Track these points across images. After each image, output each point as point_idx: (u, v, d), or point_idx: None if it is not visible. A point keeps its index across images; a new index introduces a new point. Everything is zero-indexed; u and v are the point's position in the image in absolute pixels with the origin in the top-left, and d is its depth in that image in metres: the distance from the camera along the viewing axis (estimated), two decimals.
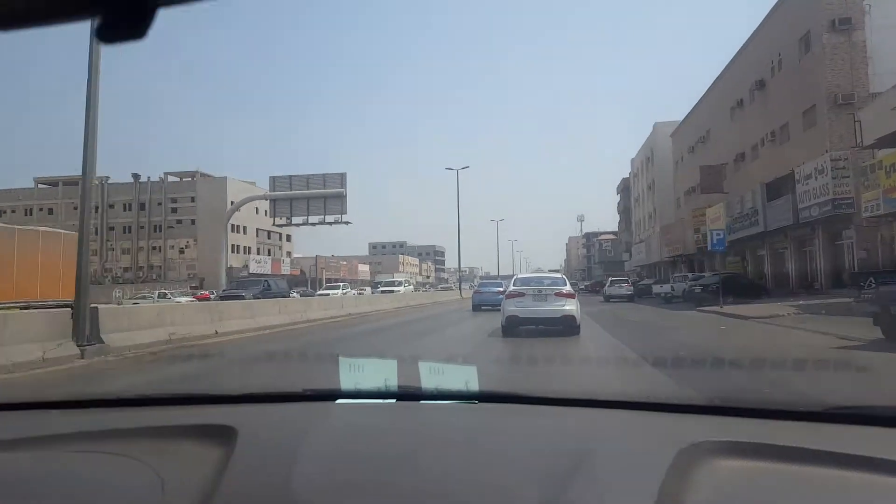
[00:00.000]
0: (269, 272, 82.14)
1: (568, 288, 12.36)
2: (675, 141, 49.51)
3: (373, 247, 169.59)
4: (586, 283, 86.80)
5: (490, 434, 1.10)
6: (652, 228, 58.52)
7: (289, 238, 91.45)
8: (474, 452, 0.97)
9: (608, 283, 38.53)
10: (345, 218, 35.63)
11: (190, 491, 0.77)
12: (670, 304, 30.10)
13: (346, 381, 1.39)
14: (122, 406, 1.34)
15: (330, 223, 36.51)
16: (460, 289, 51.00)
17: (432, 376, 1.39)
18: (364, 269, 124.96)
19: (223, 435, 0.98)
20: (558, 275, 15.30)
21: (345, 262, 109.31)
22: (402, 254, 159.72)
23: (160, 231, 78.53)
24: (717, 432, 0.99)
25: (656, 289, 34.56)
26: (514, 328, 11.82)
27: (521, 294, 11.93)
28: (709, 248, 24.82)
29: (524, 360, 8.17)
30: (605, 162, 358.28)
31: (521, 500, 0.73)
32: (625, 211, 76.06)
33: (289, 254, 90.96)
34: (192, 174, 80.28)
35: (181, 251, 78.74)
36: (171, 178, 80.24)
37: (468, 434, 1.10)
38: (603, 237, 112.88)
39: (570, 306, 11.77)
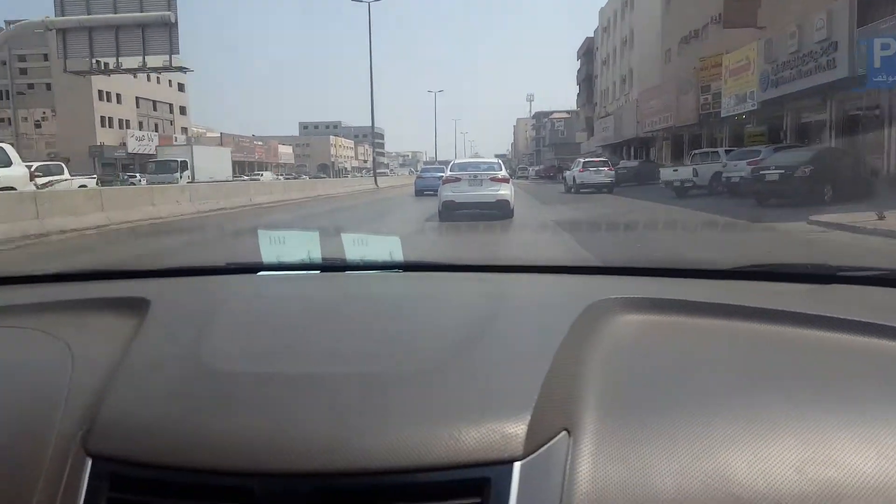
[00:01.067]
0: (155, 151, 67.19)
1: (503, 173, 12.70)
2: None
3: (304, 127, 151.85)
4: (536, 167, 75.56)
5: (409, 299, 1.13)
6: (624, 97, 45.94)
7: (183, 110, 74.79)
8: (392, 316, 1.00)
9: (578, 167, 26.32)
10: (178, 62, 21.58)
11: (99, 361, 0.77)
12: (685, 198, 18.36)
13: (268, 254, 1.37)
14: (35, 283, 1.31)
15: (155, 70, 22.69)
16: (375, 178, 38.07)
17: (356, 247, 1.39)
18: (286, 151, 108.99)
19: (136, 306, 0.98)
20: (494, 160, 14.61)
21: (260, 143, 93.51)
22: (335, 135, 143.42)
23: (6, 98, 60.96)
24: (623, 291, 0.99)
25: (666, 174, 21.70)
26: (450, 213, 12.13)
27: (457, 179, 12.27)
28: (724, 113, 15.66)
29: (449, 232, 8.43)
30: (559, 32, 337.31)
31: (429, 353, 0.76)
32: (586, 80, 62.92)
33: (184, 130, 74.76)
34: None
35: (37, 125, 62.06)
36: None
37: (388, 300, 1.12)
38: (555, 116, 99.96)
39: (505, 191, 12.12)
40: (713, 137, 28.70)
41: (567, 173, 28.23)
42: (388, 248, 1.39)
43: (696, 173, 19.15)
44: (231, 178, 42.94)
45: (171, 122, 72.49)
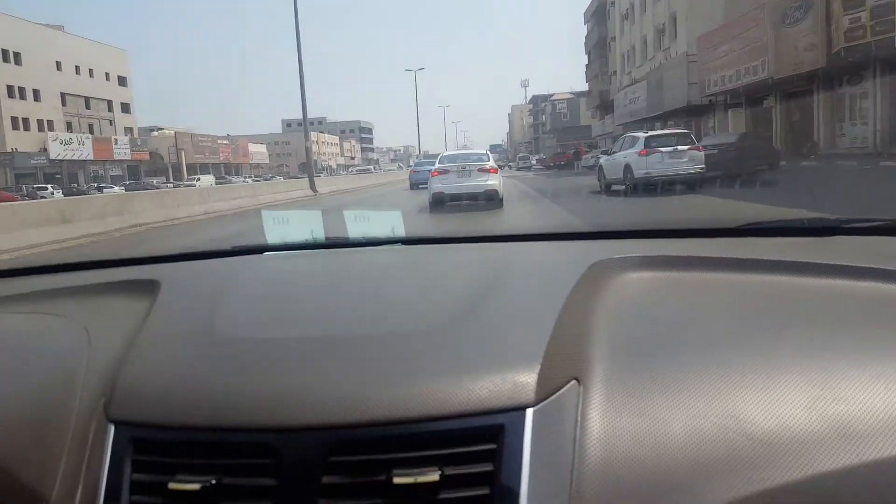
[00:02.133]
0: (90, 157, 55.82)
1: (491, 163, 12.62)
2: None
3: (287, 125, 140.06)
4: (537, 156, 64.19)
5: (414, 268, 1.15)
6: (662, 53, 34.46)
7: (126, 108, 63.19)
8: (398, 284, 1.02)
9: (632, 145, 15.25)
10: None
11: (115, 338, 0.80)
12: None
13: (272, 235, 1.38)
14: (48, 272, 1.34)
15: None
16: (312, 180, 26.62)
17: (358, 224, 1.39)
18: (259, 150, 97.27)
19: (148, 288, 1.00)
20: (482, 151, 14.76)
21: (226, 142, 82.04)
22: (319, 131, 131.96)
23: None
24: (629, 252, 0.99)
25: None
26: (440, 204, 12.17)
27: (447, 171, 12.29)
28: None
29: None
30: (553, 9, 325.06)
31: (438, 313, 0.77)
32: (598, 46, 51.41)
33: (129, 130, 63.25)
34: None
35: None
36: None
37: (393, 270, 1.15)
38: (557, 97, 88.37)
39: (493, 181, 12.11)
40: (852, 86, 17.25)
41: (606, 159, 16.79)
42: (390, 223, 1.39)
43: None
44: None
45: (111, 122, 60.83)
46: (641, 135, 15.08)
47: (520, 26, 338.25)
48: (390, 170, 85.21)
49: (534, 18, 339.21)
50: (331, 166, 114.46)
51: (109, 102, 60.49)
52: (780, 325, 0.72)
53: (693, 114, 29.31)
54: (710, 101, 26.72)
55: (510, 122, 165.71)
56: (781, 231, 1.22)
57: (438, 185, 12.29)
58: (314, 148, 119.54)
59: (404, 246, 1.33)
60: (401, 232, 1.37)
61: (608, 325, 0.73)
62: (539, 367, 0.60)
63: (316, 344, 0.71)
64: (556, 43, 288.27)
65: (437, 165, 12.90)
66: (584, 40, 57.03)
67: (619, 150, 15.73)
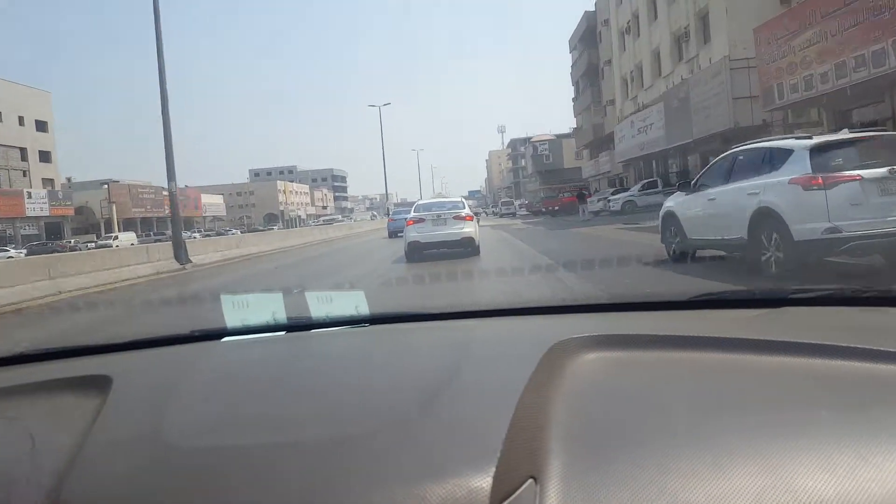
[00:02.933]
0: None
1: (466, 211, 12.42)
2: None
3: (255, 175, 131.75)
4: (520, 200, 56.30)
5: (375, 355, 1.13)
6: (685, 66, 26.26)
7: (46, 156, 54.11)
8: (358, 373, 1.00)
9: (759, 163, 6.70)
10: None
11: (61, 444, 0.76)
12: None
13: (232, 319, 1.35)
14: None
15: None
16: (178, 248, 17.43)
17: (321, 305, 1.38)
18: (215, 202, 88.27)
19: (98, 385, 0.96)
20: (457, 199, 14.32)
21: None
22: (289, 180, 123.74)
23: None
24: (585, 329, 1.04)
25: None
26: (416, 254, 11.85)
27: (422, 220, 12.08)
28: None
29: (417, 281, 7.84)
30: (530, 52, 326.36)
31: (394, 410, 0.76)
32: (587, 74, 43.92)
33: (49, 182, 54.14)
34: None
35: None
36: None
37: (353, 357, 1.13)
38: (537, 139, 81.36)
39: (469, 228, 11.94)
40: None
41: (684, 202, 8.28)
42: (353, 302, 1.38)
43: None
44: None
45: (25, 173, 51.68)
46: (798, 143, 6.46)
47: (496, 69, 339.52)
48: (362, 219, 77.50)
49: (510, 60, 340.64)
50: (300, 216, 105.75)
51: (23, 150, 51.53)
52: (731, 408, 0.72)
53: (743, 138, 21.21)
54: (784, 115, 18.58)
55: (488, 168, 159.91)
56: (733, 303, 1.25)
57: (414, 234, 12.00)
58: (282, 198, 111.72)
59: (369, 326, 1.32)
60: (364, 311, 1.35)
61: (565, 414, 0.71)
62: (494, 468, 0.58)
63: (272, 452, 0.67)
64: (536, 84, 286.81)
65: (412, 214, 12.67)
66: (569, 72, 49.85)
67: (730, 181, 7.22)
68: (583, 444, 0.65)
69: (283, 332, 1.32)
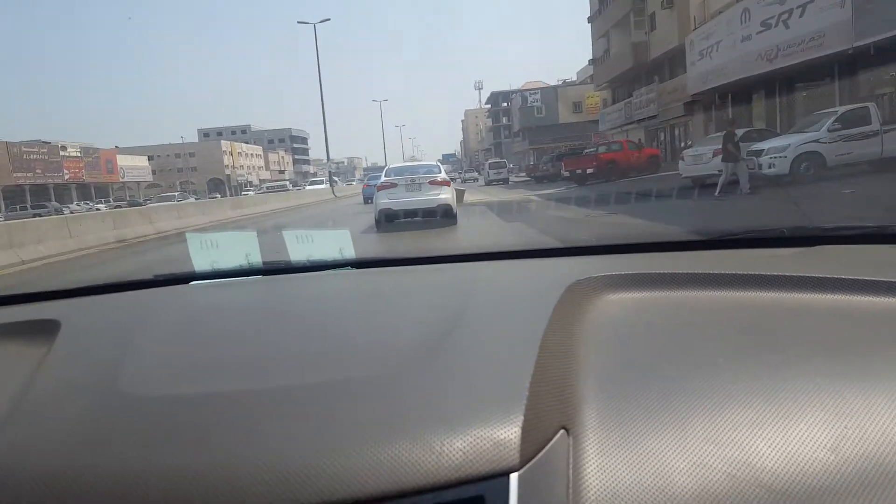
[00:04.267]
0: None
1: (443, 175, 11.19)
2: None
3: (204, 134, 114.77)
4: (509, 167, 41.54)
5: (367, 297, 1.01)
6: None
7: None
8: (349, 316, 0.89)
9: None
10: None
11: (5, 391, 0.68)
12: None
13: (201, 261, 1.22)
14: None
15: None
16: None
17: (301, 246, 1.24)
18: (137, 165, 72.44)
19: (45, 330, 0.87)
20: (433, 163, 12.75)
21: (76, 155, 57.24)
22: (244, 141, 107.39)
23: None
24: (604, 269, 0.92)
25: None
26: (388, 222, 10.72)
27: (394, 185, 10.78)
28: None
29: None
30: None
31: (398, 354, 0.66)
32: None
33: None
34: None
35: None
36: None
37: (342, 300, 1.01)
38: (528, 86, 67.14)
39: (446, 194, 10.72)
40: None
41: None
42: (337, 243, 1.26)
43: None
44: None
45: None
46: None
47: (472, 17, 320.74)
48: (317, 186, 62.99)
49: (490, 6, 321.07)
50: (250, 182, 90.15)
51: None
52: (781, 350, 0.64)
53: None
54: None
55: (464, 129, 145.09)
56: (763, 242, 1.14)
57: (385, 201, 10.63)
58: (228, 161, 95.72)
59: (354, 270, 1.19)
60: (350, 253, 1.23)
61: (594, 357, 0.64)
62: (522, 418, 0.50)
63: (248, 400, 0.58)
64: (518, 30, 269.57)
65: (382, 179, 11.22)
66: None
67: None
68: (618, 389, 0.58)
69: (259, 276, 1.19)
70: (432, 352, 0.64)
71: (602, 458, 0.50)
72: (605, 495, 0.47)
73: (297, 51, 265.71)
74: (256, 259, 1.21)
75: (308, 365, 0.66)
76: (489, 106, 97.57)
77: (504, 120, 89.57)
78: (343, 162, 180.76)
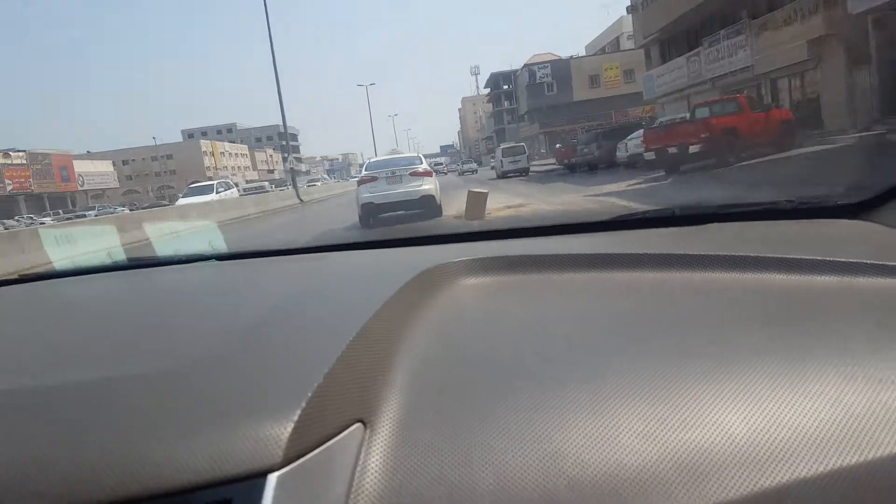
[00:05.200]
0: None
1: (424, 166, 10.74)
2: None
3: (189, 135, 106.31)
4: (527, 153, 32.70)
5: (213, 289, 0.99)
6: None
7: None
8: (183, 309, 0.86)
9: None
10: None
11: None
12: None
13: (55, 256, 1.11)
14: None
15: None
16: None
17: (168, 241, 1.14)
18: (100, 171, 63.87)
19: None
20: (414, 154, 13.13)
21: (20, 161, 48.75)
22: (230, 140, 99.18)
23: None
24: (473, 254, 0.88)
25: None
26: (371, 216, 10.05)
27: (374, 178, 10.34)
28: None
29: None
30: None
31: (205, 345, 0.63)
32: None
33: None
34: None
35: None
36: None
37: (186, 292, 0.99)
38: (535, 60, 58.41)
39: (428, 185, 10.20)
40: None
41: None
42: (206, 238, 1.19)
43: None
44: None
45: None
46: None
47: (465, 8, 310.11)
48: (313, 183, 54.80)
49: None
50: (236, 183, 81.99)
51: None
52: (653, 331, 0.61)
53: None
54: None
55: (461, 118, 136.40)
56: (651, 222, 1.08)
57: (367, 195, 10.12)
58: (210, 161, 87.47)
59: (217, 262, 1.16)
60: (221, 246, 1.21)
61: (425, 344, 0.61)
62: (299, 412, 0.46)
63: (31, 396, 0.55)
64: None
65: (363, 173, 10.97)
66: None
67: None
68: (436, 381, 0.54)
69: (120, 272, 1.17)
70: (240, 340, 0.62)
71: (399, 449, 0.46)
72: (390, 493, 0.44)
73: (282, 43, 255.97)
74: (120, 255, 1.17)
75: (112, 359, 0.63)
76: (488, 90, 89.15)
77: (506, 104, 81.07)
78: (338, 159, 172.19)
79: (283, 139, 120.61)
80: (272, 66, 25.55)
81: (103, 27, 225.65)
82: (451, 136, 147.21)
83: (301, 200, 27.16)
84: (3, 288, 1.11)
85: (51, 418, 0.50)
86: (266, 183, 62.55)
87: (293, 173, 29.42)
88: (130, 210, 52.12)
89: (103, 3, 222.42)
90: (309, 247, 1.22)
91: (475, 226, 1.19)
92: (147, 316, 0.83)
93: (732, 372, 0.51)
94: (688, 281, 0.71)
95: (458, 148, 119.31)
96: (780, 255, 0.71)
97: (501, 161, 26.36)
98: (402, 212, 10.08)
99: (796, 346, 0.54)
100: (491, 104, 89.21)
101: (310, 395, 0.47)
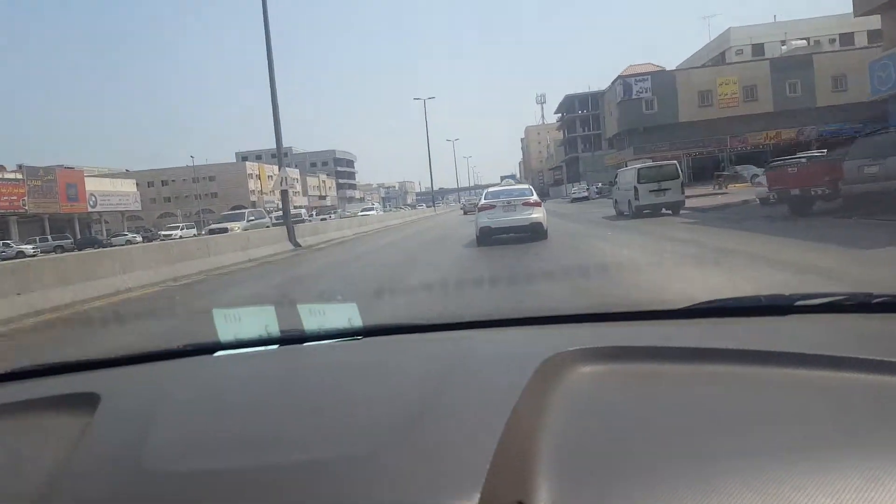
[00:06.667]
0: None
1: (534, 197, 12.47)
2: None
3: (242, 158, 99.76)
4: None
5: (365, 369, 1.07)
6: None
7: None
8: (346, 390, 0.95)
9: None
10: None
11: (44, 465, 0.71)
12: None
13: (225, 333, 1.31)
14: None
15: None
16: None
17: (313, 317, 1.35)
18: (120, 191, 56.25)
19: (86, 402, 0.91)
20: (525, 186, 14.96)
21: (14, 176, 41.14)
22: (287, 165, 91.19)
23: None
24: (582, 340, 0.97)
25: None
26: (488, 238, 12.00)
27: (492, 206, 12.22)
28: None
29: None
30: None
31: (379, 431, 0.70)
32: None
33: None
34: None
35: None
36: None
37: (343, 372, 1.08)
38: (632, 72, 46.89)
39: (538, 214, 12.03)
40: None
41: None
42: (345, 314, 1.36)
43: None
44: None
45: None
46: None
47: (532, 26, 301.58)
48: (367, 212, 45.50)
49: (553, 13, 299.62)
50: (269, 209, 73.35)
51: None
52: (736, 425, 0.65)
53: None
54: None
55: (524, 147, 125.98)
56: (734, 311, 1.17)
57: (485, 220, 12.14)
58: (255, 185, 79.61)
59: (362, 339, 1.28)
60: (357, 322, 1.33)
61: (559, 431, 0.66)
62: (478, 495, 0.52)
63: (247, 477, 0.63)
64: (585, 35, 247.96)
65: (482, 201, 12.76)
66: None
67: None
68: (577, 467, 0.59)
69: (275, 346, 1.27)
70: (407, 428, 0.67)
71: None
72: None
73: (341, 68, 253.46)
74: (274, 330, 1.28)
75: (301, 441, 0.71)
76: (559, 115, 78.14)
77: (581, 130, 69.81)
78: (394, 186, 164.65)
79: (337, 165, 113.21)
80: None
81: (177, 56, 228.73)
82: (510, 167, 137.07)
83: (294, 246, 16.80)
84: (179, 361, 1.21)
85: (279, 499, 0.57)
86: (303, 210, 53.10)
87: (284, 195, 18.85)
88: (143, 238, 44.02)
89: (169, 27, 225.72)
90: (443, 323, 1.32)
91: (571, 310, 1.29)
92: (309, 398, 0.90)
93: (834, 474, 0.52)
94: (788, 377, 0.75)
95: (519, 178, 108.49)
96: (879, 358, 0.72)
97: (636, 189, 15.79)
98: (514, 234, 11.82)
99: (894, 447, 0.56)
100: (562, 131, 78.18)
101: (484, 477, 0.53)
